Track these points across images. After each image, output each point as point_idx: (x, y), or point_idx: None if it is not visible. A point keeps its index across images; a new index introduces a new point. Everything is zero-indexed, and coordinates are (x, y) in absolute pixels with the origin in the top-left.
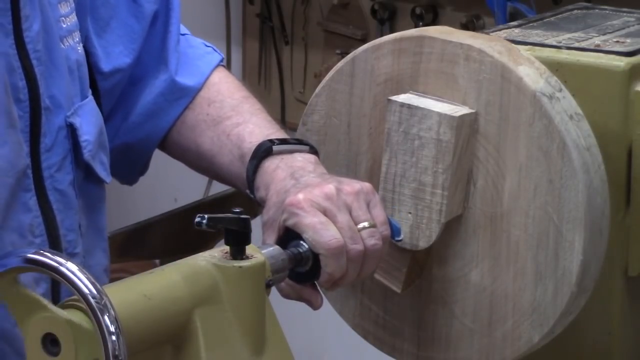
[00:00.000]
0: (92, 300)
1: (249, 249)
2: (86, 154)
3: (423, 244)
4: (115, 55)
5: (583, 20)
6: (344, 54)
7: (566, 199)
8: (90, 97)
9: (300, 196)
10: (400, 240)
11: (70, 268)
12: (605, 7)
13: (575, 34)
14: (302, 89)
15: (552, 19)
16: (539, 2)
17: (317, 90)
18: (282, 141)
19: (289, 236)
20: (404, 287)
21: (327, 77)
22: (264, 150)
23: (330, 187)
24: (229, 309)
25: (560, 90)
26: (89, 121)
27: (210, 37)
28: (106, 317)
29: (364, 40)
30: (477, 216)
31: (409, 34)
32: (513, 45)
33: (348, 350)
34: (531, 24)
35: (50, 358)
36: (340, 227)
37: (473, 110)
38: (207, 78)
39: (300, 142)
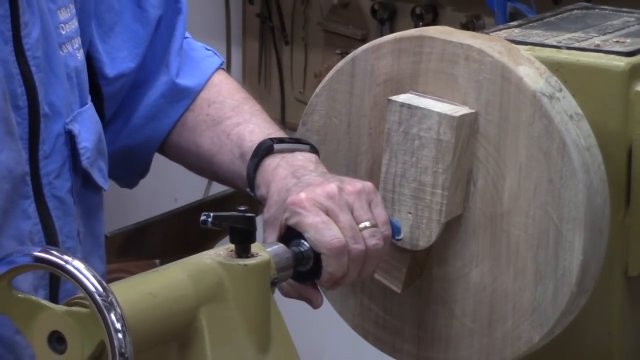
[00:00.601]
0: (98, 298)
1: (254, 247)
2: (84, 161)
3: (423, 244)
4: (120, 60)
5: (583, 20)
6: (344, 54)
7: (566, 199)
8: (90, 104)
9: (303, 195)
10: (400, 240)
11: (77, 266)
12: (605, 7)
13: (575, 34)
14: (302, 89)
15: (552, 19)
16: (539, 2)
17: (317, 90)
18: (283, 140)
19: (290, 235)
20: (404, 287)
21: (327, 77)
22: (265, 149)
23: (332, 186)
24: (234, 307)
25: (560, 90)
26: (87, 128)
27: (210, 37)
28: (112, 315)
29: (364, 40)
30: (477, 216)
31: (409, 34)
32: (513, 45)
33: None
34: (531, 24)
35: (59, 356)
36: (342, 227)
37: (473, 110)
38: (208, 80)
39: (300, 141)
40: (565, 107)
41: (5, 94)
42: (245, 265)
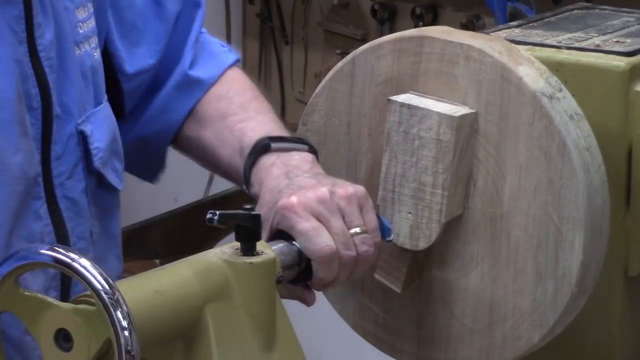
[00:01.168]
0: (104, 296)
1: (260, 245)
2: (96, 162)
3: (423, 244)
4: (139, 57)
5: (583, 20)
6: (344, 54)
7: (566, 199)
8: (105, 104)
9: (294, 199)
10: (391, 241)
11: (83, 264)
12: (605, 7)
13: (575, 34)
14: (302, 89)
15: (552, 19)
16: (539, 2)
17: (317, 90)
18: (282, 139)
19: (280, 237)
20: (404, 287)
21: (327, 77)
22: (262, 146)
23: (323, 191)
24: (239, 305)
25: (560, 90)
26: (101, 128)
27: None
28: (119, 313)
29: (364, 40)
30: (477, 216)
31: (409, 34)
32: (513, 45)
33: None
34: (531, 24)
35: (66, 354)
36: (334, 233)
37: (473, 110)
38: (222, 74)
39: (300, 141)
40: (565, 107)
41: (20, 95)
42: (251, 263)
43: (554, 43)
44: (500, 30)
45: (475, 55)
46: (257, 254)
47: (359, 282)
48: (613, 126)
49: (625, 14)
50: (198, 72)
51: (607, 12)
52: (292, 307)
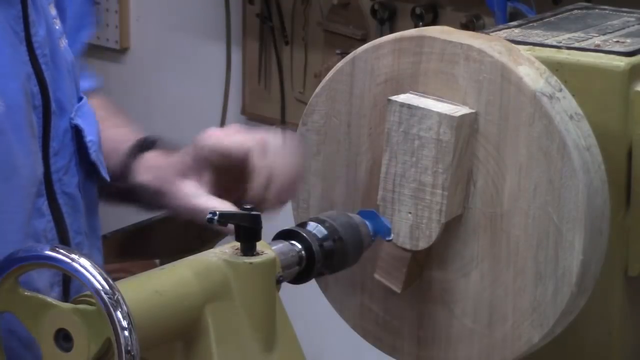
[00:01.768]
0: (104, 296)
1: (260, 245)
2: (92, 154)
3: (423, 244)
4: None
5: (583, 20)
6: (344, 54)
7: (566, 199)
8: (85, 98)
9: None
10: (391, 240)
11: (83, 264)
12: (605, 7)
13: (575, 34)
14: (302, 89)
15: (552, 19)
16: (539, 2)
17: (317, 90)
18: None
19: (280, 237)
20: (404, 287)
21: (327, 77)
22: (150, 141)
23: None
24: (239, 305)
25: (560, 90)
26: (89, 122)
27: (210, 37)
28: (118, 313)
29: (364, 40)
30: (477, 216)
31: (409, 34)
32: (513, 45)
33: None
34: (531, 24)
35: (66, 354)
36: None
37: (473, 110)
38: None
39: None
40: (565, 107)
41: (27, 96)
42: (251, 263)
43: (554, 43)
44: (500, 30)
45: (475, 55)
46: (257, 254)
47: (359, 282)
48: (613, 126)
49: (625, 14)
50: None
51: (607, 12)
52: (292, 307)
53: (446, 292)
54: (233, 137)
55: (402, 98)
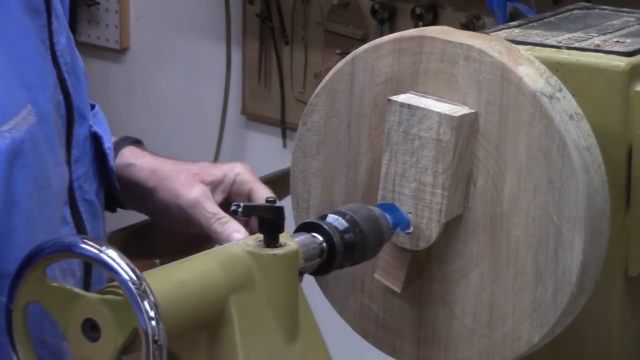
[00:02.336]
0: (131, 286)
1: (282, 237)
2: (111, 161)
3: (423, 244)
4: None
5: (583, 20)
6: (344, 54)
7: (566, 199)
8: (97, 106)
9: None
10: (410, 233)
11: (110, 255)
12: (605, 7)
13: (575, 34)
14: (302, 89)
15: (552, 19)
16: (539, 2)
17: (317, 90)
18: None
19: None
20: (404, 287)
21: (327, 77)
22: (131, 139)
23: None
24: (263, 296)
25: (560, 90)
26: (104, 129)
27: (210, 37)
28: (146, 303)
29: (364, 40)
30: (477, 216)
31: (409, 34)
32: (513, 45)
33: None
34: (531, 24)
35: (93, 344)
36: None
37: (473, 110)
38: None
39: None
40: (565, 107)
41: (55, 105)
42: (274, 254)
43: (554, 43)
44: (500, 30)
45: (475, 55)
46: (280, 245)
47: (359, 282)
48: (613, 126)
49: (625, 14)
50: None
51: (607, 12)
52: None
53: (446, 292)
54: (264, 191)
55: (402, 98)
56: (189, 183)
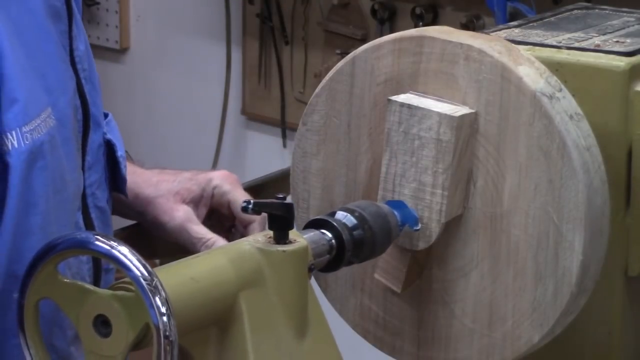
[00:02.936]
0: (143, 282)
1: (292, 234)
2: (123, 169)
3: (423, 244)
4: None
5: (583, 20)
6: (344, 54)
7: (566, 199)
8: (110, 114)
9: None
10: (418, 230)
11: (122, 251)
12: (605, 7)
13: (575, 34)
14: (302, 89)
15: (552, 19)
16: (539, 2)
17: (317, 90)
18: None
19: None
20: (404, 287)
21: (327, 77)
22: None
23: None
24: (273, 292)
25: (560, 90)
26: (117, 137)
27: (210, 37)
28: (157, 299)
29: (364, 40)
30: (477, 216)
31: (409, 34)
32: (513, 45)
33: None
34: (531, 24)
35: (104, 339)
36: None
37: (473, 110)
38: None
39: None
40: (565, 107)
41: (74, 110)
42: (284, 251)
43: (554, 43)
44: (500, 30)
45: (475, 55)
46: (290, 242)
47: (359, 282)
48: (613, 126)
49: (625, 14)
50: None
51: (607, 12)
52: None
53: (446, 292)
54: (241, 200)
55: (402, 98)
56: (170, 208)
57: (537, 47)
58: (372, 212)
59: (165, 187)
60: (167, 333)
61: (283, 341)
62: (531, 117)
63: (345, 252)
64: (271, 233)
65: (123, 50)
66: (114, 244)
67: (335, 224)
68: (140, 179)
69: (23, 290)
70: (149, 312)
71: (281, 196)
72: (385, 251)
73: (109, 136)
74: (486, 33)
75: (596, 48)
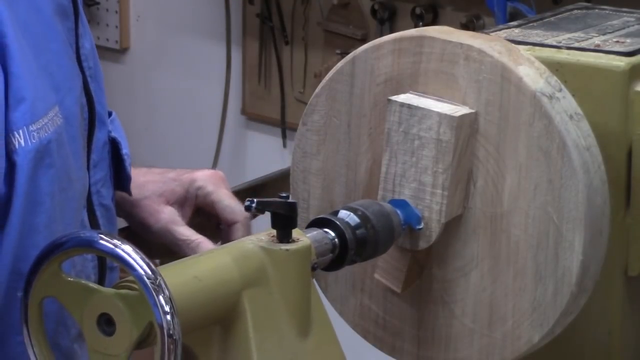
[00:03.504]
0: (147, 281)
1: (295, 233)
2: (128, 167)
3: (423, 244)
4: None
5: (583, 20)
6: (344, 54)
7: (566, 199)
8: (114, 112)
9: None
10: (421, 229)
11: (126, 250)
12: (605, 7)
13: (575, 34)
14: (302, 89)
15: (552, 19)
16: (539, 2)
17: (317, 90)
18: None
19: (314, 225)
20: (404, 287)
21: (327, 77)
22: None
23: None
24: (276, 291)
25: (560, 90)
26: (121, 135)
27: (210, 37)
28: (161, 297)
29: (364, 40)
30: (477, 216)
31: (409, 34)
32: (513, 45)
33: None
34: (531, 24)
35: (108, 338)
36: None
37: (473, 110)
38: None
39: None
40: (565, 107)
41: (80, 108)
42: (287, 250)
43: (554, 43)
44: (500, 30)
45: (475, 55)
46: (293, 241)
47: (359, 282)
48: (613, 126)
49: (625, 14)
50: None
51: (607, 12)
52: None
53: (446, 292)
54: (226, 200)
55: (402, 98)
56: (154, 210)
57: (537, 47)
58: (375, 211)
59: (151, 189)
60: (171, 332)
61: (286, 340)
62: (531, 117)
63: (348, 251)
64: (274, 232)
65: (123, 50)
66: (118, 242)
67: (338, 222)
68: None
69: (27, 288)
70: (153, 311)
71: (284, 195)
72: (388, 250)
73: (113, 134)
74: (486, 33)
75: (596, 48)
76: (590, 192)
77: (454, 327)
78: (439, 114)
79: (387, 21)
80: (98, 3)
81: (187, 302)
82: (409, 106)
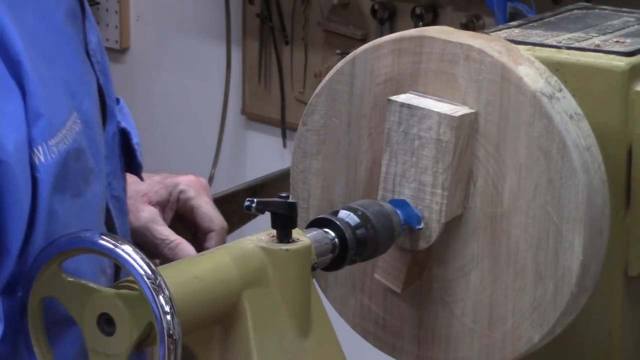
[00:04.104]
0: (147, 281)
1: (295, 233)
2: (139, 157)
3: (423, 244)
4: None
5: (583, 20)
6: (344, 54)
7: (566, 199)
8: (122, 100)
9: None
10: (421, 229)
11: (126, 250)
12: (605, 7)
13: (575, 34)
14: (302, 89)
15: (552, 19)
16: (539, 2)
17: (317, 90)
18: None
19: (314, 225)
20: (404, 287)
21: (327, 77)
22: None
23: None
24: (276, 291)
25: (560, 90)
26: (131, 124)
27: (210, 37)
28: (161, 297)
29: (364, 40)
30: (477, 216)
31: (409, 34)
32: (513, 45)
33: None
34: (531, 24)
35: (108, 338)
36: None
37: (473, 110)
38: None
39: None
40: (565, 107)
41: (97, 107)
42: (287, 250)
43: (554, 43)
44: (500, 30)
45: (475, 55)
46: (293, 241)
47: (359, 282)
48: (613, 126)
49: (625, 14)
50: None
51: (607, 12)
52: None
53: (446, 292)
54: (205, 208)
55: (402, 98)
56: (136, 209)
57: (537, 47)
58: (375, 211)
59: (134, 189)
60: (171, 332)
61: (286, 339)
62: (531, 117)
63: (348, 251)
64: (274, 232)
65: (123, 50)
66: (118, 242)
67: (338, 222)
68: None
69: (27, 289)
70: (153, 311)
71: (284, 195)
72: (388, 250)
73: (123, 124)
74: (486, 33)
75: (596, 48)
76: (590, 192)
77: (454, 327)
78: (439, 114)
79: (387, 21)
80: (98, 3)
81: (187, 302)
82: (409, 106)
